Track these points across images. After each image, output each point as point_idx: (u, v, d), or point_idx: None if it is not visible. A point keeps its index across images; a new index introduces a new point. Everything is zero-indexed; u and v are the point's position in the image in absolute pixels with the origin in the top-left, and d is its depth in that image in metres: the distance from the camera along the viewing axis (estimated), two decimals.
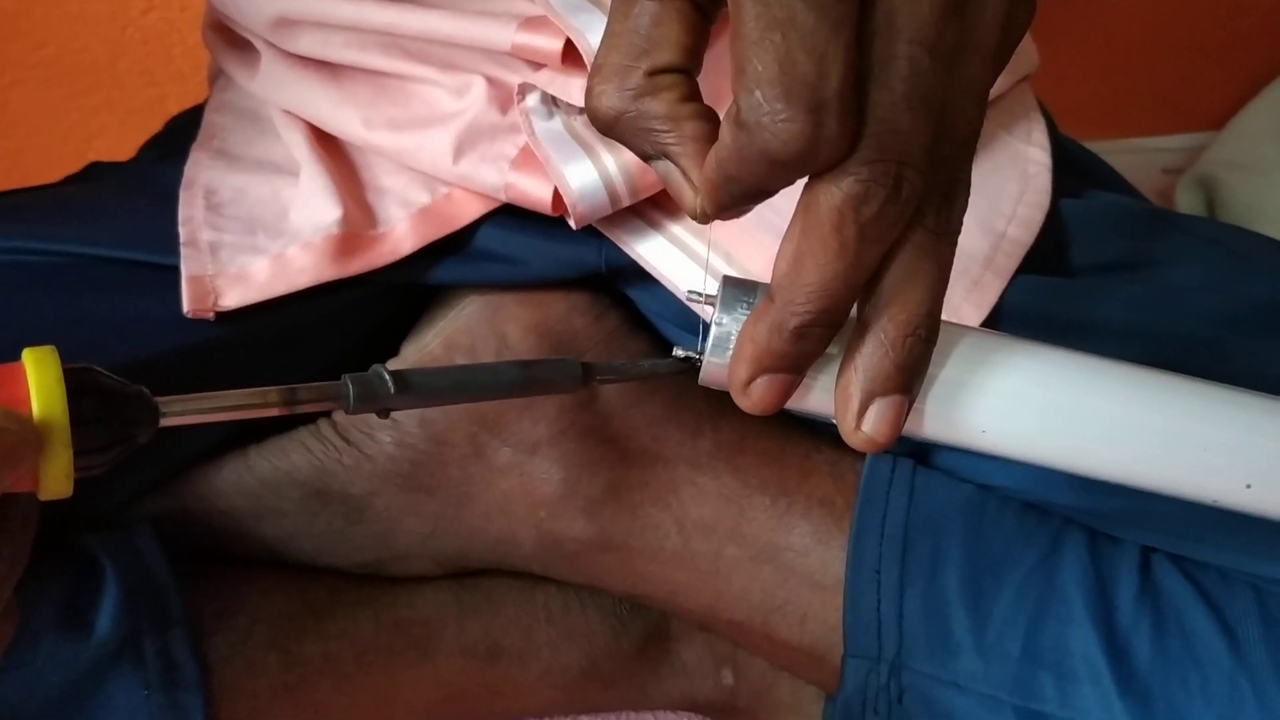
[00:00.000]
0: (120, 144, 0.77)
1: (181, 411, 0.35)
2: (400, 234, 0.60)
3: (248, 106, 0.68)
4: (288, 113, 0.64)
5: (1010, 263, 0.59)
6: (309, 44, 0.62)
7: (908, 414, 0.36)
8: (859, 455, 0.61)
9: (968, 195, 0.35)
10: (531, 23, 0.57)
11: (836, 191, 0.32)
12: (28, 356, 0.34)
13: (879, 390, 0.36)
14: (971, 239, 0.58)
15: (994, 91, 0.36)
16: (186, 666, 0.56)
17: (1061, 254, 0.61)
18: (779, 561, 0.61)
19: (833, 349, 0.37)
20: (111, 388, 0.35)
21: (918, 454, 0.61)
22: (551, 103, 0.59)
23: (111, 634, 0.54)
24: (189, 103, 0.76)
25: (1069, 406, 0.39)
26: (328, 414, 0.62)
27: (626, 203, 0.58)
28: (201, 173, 0.63)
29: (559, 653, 0.65)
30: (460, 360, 0.61)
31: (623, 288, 0.63)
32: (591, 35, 0.55)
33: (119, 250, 0.58)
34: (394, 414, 0.59)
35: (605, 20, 0.35)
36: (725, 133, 0.32)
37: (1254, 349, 0.56)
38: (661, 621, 0.67)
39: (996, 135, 0.64)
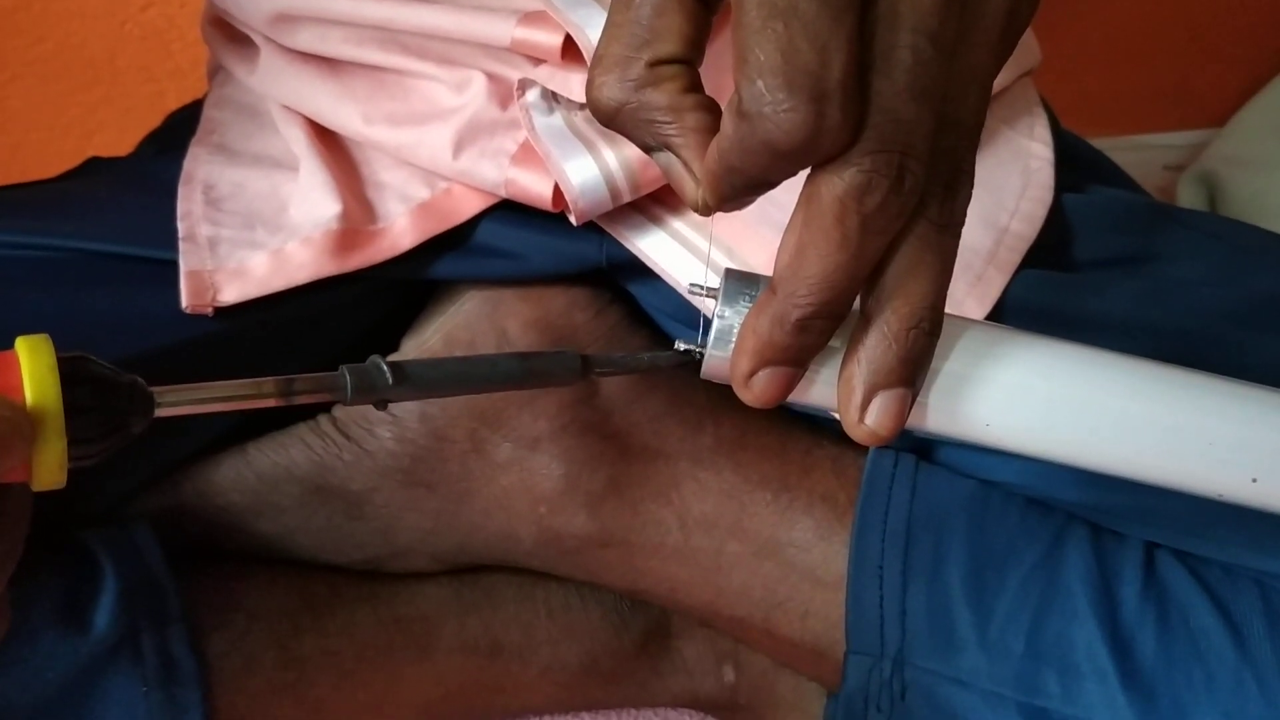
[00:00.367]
0: (119, 140, 0.77)
1: (176, 402, 0.35)
2: (400, 229, 0.59)
3: (247, 102, 0.68)
4: (287, 108, 0.64)
5: (1013, 258, 0.58)
6: (308, 39, 0.62)
7: (911, 407, 0.36)
8: (861, 451, 0.61)
9: (971, 186, 0.35)
10: (531, 18, 0.57)
11: (839, 182, 0.32)
12: (21, 345, 0.33)
13: (882, 383, 0.35)
14: (974, 234, 0.58)
15: (996, 86, 0.36)
16: (185, 663, 0.55)
17: (1064, 249, 0.61)
18: (781, 557, 0.60)
19: (835, 342, 0.36)
20: (106, 377, 0.34)
21: (920, 450, 0.61)
22: (552, 98, 0.59)
23: (109, 631, 0.54)
24: (188, 99, 0.76)
25: (1073, 400, 0.38)
26: (327, 409, 0.61)
27: (627, 199, 0.58)
28: (200, 167, 0.63)
29: (559, 649, 0.64)
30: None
31: (623, 283, 0.63)
32: (591, 30, 0.54)
33: (117, 245, 0.58)
34: (394, 410, 0.60)
35: (605, 15, 0.35)
36: (727, 123, 0.32)
37: (1257, 343, 0.56)
38: (662, 618, 0.67)
39: (999, 130, 0.64)
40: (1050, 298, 0.58)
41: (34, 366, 0.33)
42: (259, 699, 0.58)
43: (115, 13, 1.02)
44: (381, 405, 0.38)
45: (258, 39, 0.65)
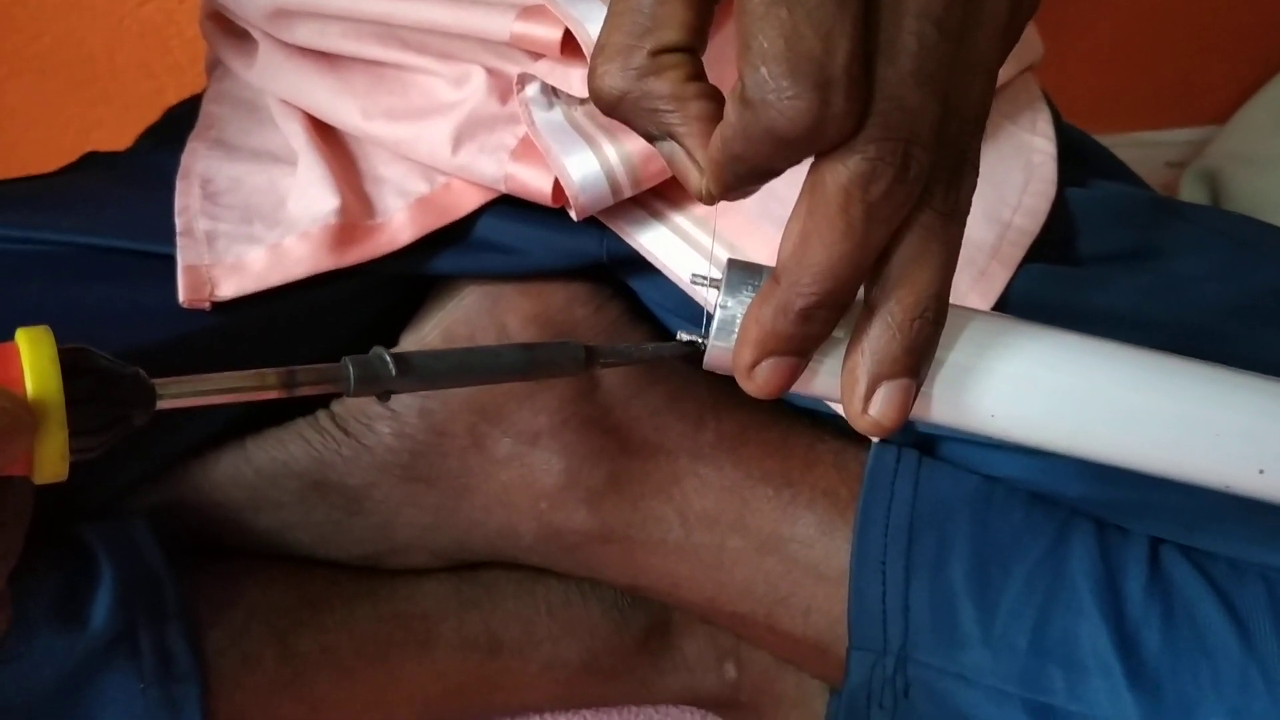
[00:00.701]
0: (118, 136, 0.77)
1: (178, 393, 0.35)
2: (398, 224, 0.59)
3: (245, 96, 0.68)
4: (285, 102, 0.63)
5: (1016, 252, 0.58)
6: (306, 34, 0.61)
7: (915, 397, 0.36)
8: (864, 446, 0.61)
9: (976, 175, 0.35)
10: (530, 12, 0.57)
11: (843, 170, 0.32)
12: (22, 336, 0.33)
13: (886, 373, 0.35)
14: (977, 229, 0.58)
15: (999, 80, 0.35)
16: (183, 659, 0.55)
17: (1067, 243, 0.61)
18: (783, 553, 0.60)
19: (839, 332, 0.36)
20: (107, 368, 0.34)
21: (923, 445, 0.61)
22: (551, 93, 0.59)
23: (107, 626, 0.53)
24: (186, 95, 0.76)
25: (1079, 390, 0.38)
26: (326, 405, 0.61)
27: (628, 194, 0.58)
28: (198, 162, 0.62)
29: (559, 646, 0.64)
30: None
31: (624, 278, 0.63)
32: (590, 24, 0.54)
33: (115, 239, 0.58)
34: (393, 405, 0.59)
35: (604, 9, 0.35)
36: (730, 111, 0.32)
37: (1261, 337, 0.55)
38: (663, 614, 0.67)
39: (1001, 125, 0.64)
40: (1053, 292, 0.58)
41: (35, 358, 0.33)
42: (257, 695, 0.58)
43: (114, 9, 1.02)
44: (384, 397, 0.37)
45: (256, 34, 0.65)
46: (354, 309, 0.62)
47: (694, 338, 0.39)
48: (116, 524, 0.57)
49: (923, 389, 0.37)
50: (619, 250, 0.60)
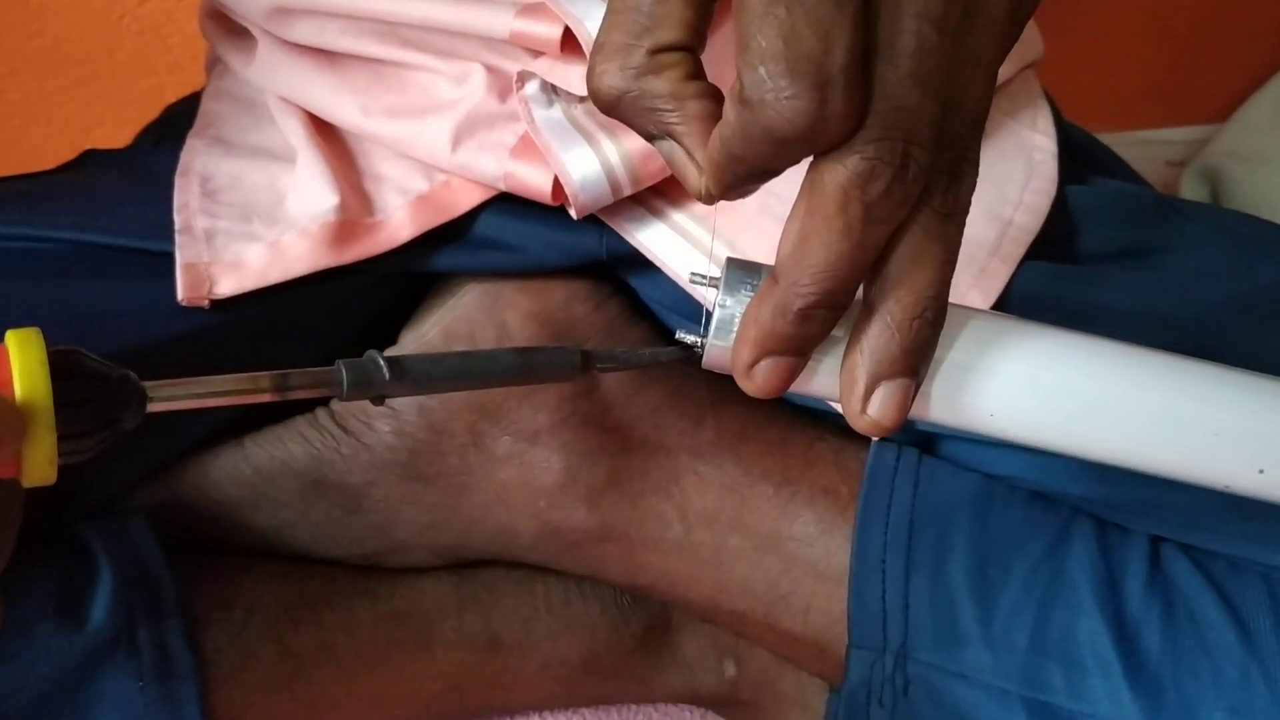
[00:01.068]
0: (117, 134, 0.77)
1: (169, 397, 0.35)
2: (398, 221, 0.59)
3: (244, 94, 0.67)
4: (284, 100, 0.63)
5: (1017, 250, 0.58)
6: (305, 32, 0.61)
7: (914, 397, 0.36)
8: (863, 444, 0.61)
9: (976, 174, 0.34)
10: (529, 10, 0.56)
11: (842, 170, 0.32)
12: (11, 338, 0.33)
13: (885, 373, 0.35)
14: (978, 227, 0.58)
15: (999, 78, 0.35)
16: (181, 657, 0.55)
17: (1068, 241, 0.61)
18: (782, 551, 0.60)
19: (838, 331, 0.36)
20: (97, 371, 0.34)
21: (923, 444, 0.60)
22: (551, 91, 0.58)
23: (105, 624, 0.53)
24: (186, 93, 0.76)
25: (1079, 390, 0.38)
26: (325, 403, 0.61)
27: (628, 192, 0.58)
28: (197, 160, 0.62)
29: (559, 644, 0.64)
30: (459, 349, 0.60)
31: (624, 275, 0.63)
32: (590, 22, 0.54)
33: (113, 237, 0.58)
34: (392, 403, 0.59)
35: (603, 7, 0.35)
36: (729, 110, 0.32)
37: (1262, 334, 0.55)
38: (663, 613, 0.67)
39: (1002, 122, 0.64)
40: (1054, 290, 0.58)
41: (24, 360, 0.32)
42: (256, 694, 0.58)
43: (113, 7, 1.01)
44: (379, 401, 0.37)
45: (255, 31, 0.65)
46: (353, 307, 0.62)
47: (692, 339, 0.39)
48: (115, 522, 0.57)
49: (922, 388, 0.37)
50: (618, 248, 0.60)
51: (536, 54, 0.58)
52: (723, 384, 0.62)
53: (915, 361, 0.35)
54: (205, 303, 0.56)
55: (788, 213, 0.33)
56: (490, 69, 0.60)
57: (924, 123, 0.32)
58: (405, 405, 0.60)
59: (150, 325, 0.55)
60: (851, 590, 0.59)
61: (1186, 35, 1.25)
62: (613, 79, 0.34)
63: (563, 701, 0.67)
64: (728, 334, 0.37)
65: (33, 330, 0.33)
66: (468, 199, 0.60)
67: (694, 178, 0.34)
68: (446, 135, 0.58)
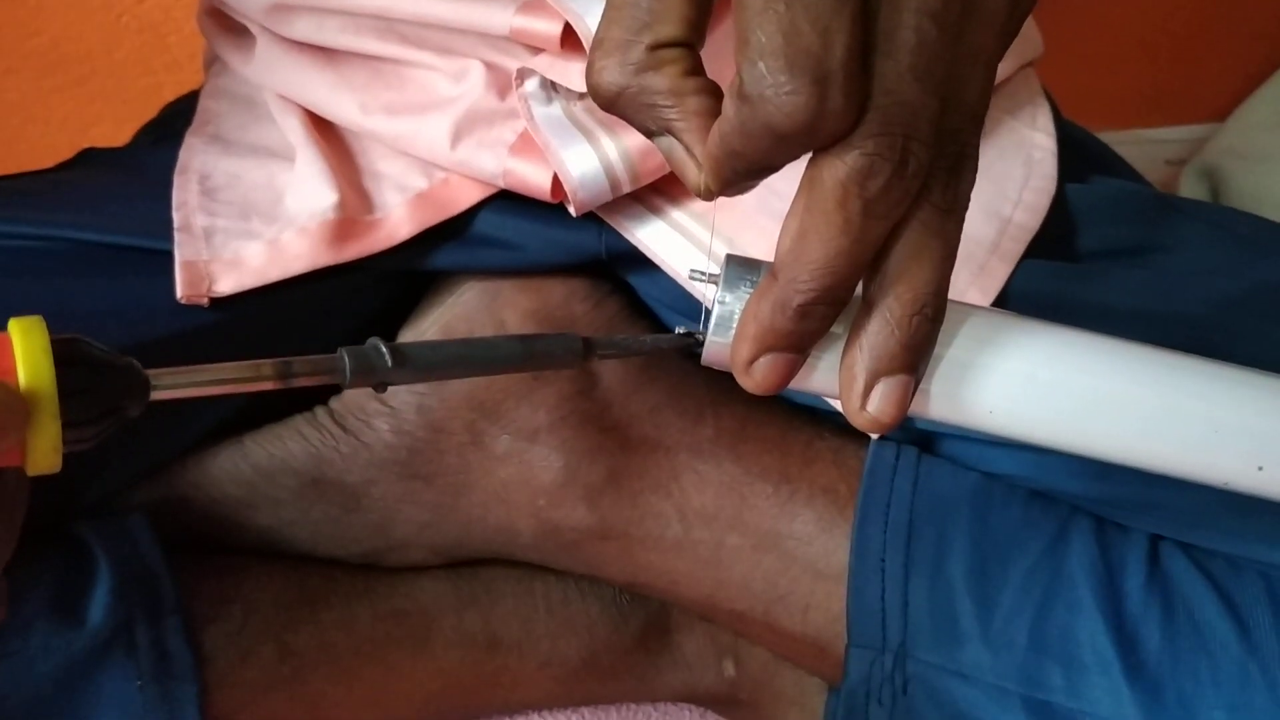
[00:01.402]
0: (115, 133, 0.77)
1: (172, 384, 0.34)
2: (397, 219, 0.59)
3: (243, 92, 0.67)
4: (283, 98, 0.63)
5: (1016, 248, 0.58)
6: (304, 29, 0.61)
7: (914, 394, 0.36)
8: (863, 442, 0.61)
9: (975, 170, 0.34)
10: (529, 6, 0.56)
11: (841, 166, 0.32)
12: (14, 326, 0.33)
13: (884, 370, 0.35)
14: (977, 224, 0.58)
15: (998, 76, 0.35)
16: (180, 656, 0.55)
17: (1067, 239, 0.60)
18: (781, 550, 0.60)
19: (837, 328, 0.36)
20: (101, 359, 0.34)
21: (922, 442, 0.60)
22: (550, 88, 0.58)
23: (104, 623, 0.53)
24: (184, 92, 0.76)
25: (1078, 387, 0.38)
26: (324, 401, 0.61)
27: (627, 189, 0.58)
28: (196, 158, 0.62)
29: (558, 643, 0.64)
30: None
31: (623, 273, 0.63)
32: (590, 18, 0.54)
33: (113, 235, 0.58)
34: (391, 401, 0.59)
35: (603, 3, 0.34)
36: (728, 106, 0.32)
37: (1262, 332, 0.55)
38: (662, 612, 0.67)
39: (1001, 120, 0.64)
40: (1054, 288, 0.57)
41: (27, 348, 0.32)
42: (255, 692, 0.57)
43: (111, 6, 1.01)
44: (381, 388, 0.37)
45: (254, 29, 0.65)
46: (352, 305, 0.62)
47: (692, 330, 0.39)
48: (114, 520, 0.57)
49: (921, 385, 0.37)
50: (618, 246, 0.60)
51: (536, 51, 0.58)
52: (722, 382, 0.62)
53: (914, 358, 0.35)
54: (204, 301, 0.56)
55: (786, 210, 0.33)
56: (489, 66, 0.60)
57: (923, 118, 0.32)
58: (404, 403, 0.60)
59: (149, 323, 0.55)
60: (850, 589, 0.59)
61: (1185, 34, 1.25)
62: (612, 75, 0.34)
63: (562, 700, 0.67)
64: (727, 330, 0.37)
65: (35, 318, 0.33)
66: (467, 197, 0.60)
67: (693, 174, 0.34)
68: (445, 132, 0.58)
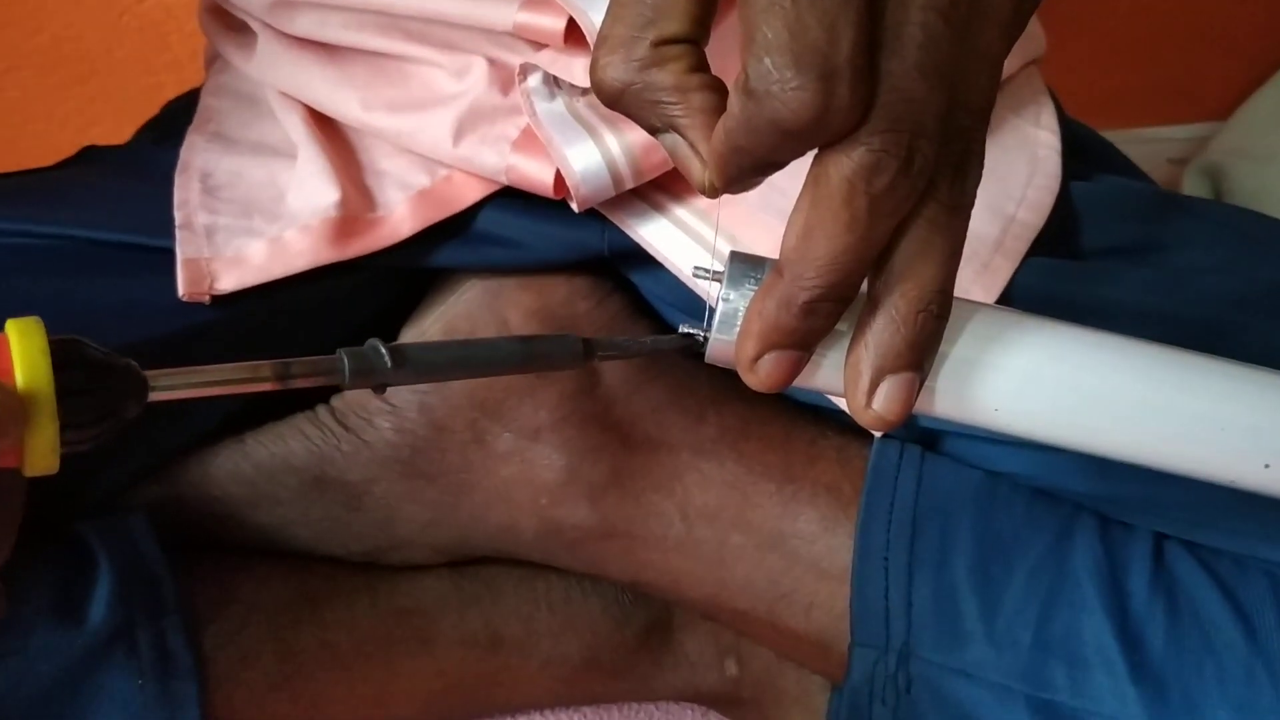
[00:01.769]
0: (116, 132, 0.77)
1: (171, 385, 0.34)
2: (399, 217, 0.59)
3: (244, 89, 0.67)
4: (285, 95, 0.63)
5: (1020, 246, 0.58)
6: (306, 25, 0.61)
7: (919, 391, 0.36)
8: (866, 441, 0.61)
9: (981, 167, 0.34)
10: (533, 1, 0.56)
11: (847, 162, 0.32)
12: (11, 327, 0.33)
13: (890, 367, 0.35)
14: (981, 222, 0.58)
15: (1003, 74, 0.35)
16: (181, 656, 0.55)
17: (1071, 237, 0.60)
18: (784, 549, 0.60)
19: (842, 325, 0.36)
20: (99, 360, 0.34)
21: (926, 440, 0.60)
22: (553, 83, 0.58)
23: (105, 623, 0.53)
24: (185, 90, 0.75)
25: (1084, 384, 0.38)
26: (325, 399, 0.61)
27: (630, 185, 0.58)
28: (197, 156, 0.62)
29: (560, 642, 0.64)
30: None
31: (625, 272, 0.63)
32: (594, 14, 0.54)
33: (114, 233, 0.58)
34: (392, 400, 0.59)
35: None
36: (734, 102, 0.32)
37: (1266, 330, 0.55)
38: (664, 611, 0.66)
39: (1005, 118, 0.64)
40: (1058, 286, 0.57)
41: (25, 349, 0.32)
42: (256, 692, 0.57)
43: (112, 4, 1.01)
44: (380, 390, 0.37)
45: (255, 25, 0.65)
46: (354, 303, 0.62)
47: (695, 330, 0.39)
48: (114, 520, 0.57)
49: (926, 383, 0.37)
50: (620, 244, 0.60)
51: (539, 46, 0.58)
52: (724, 381, 0.62)
53: (920, 355, 0.35)
54: (206, 298, 0.56)
55: (789, 207, 0.33)
56: (492, 62, 0.59)
57: (930, 115, 0.32)
58: (406, 402, 0.60)
59: (151, 321, 0.55)
60: (854, 588, 0.58)
61: (1188, 32, 1.25)
62: (616, 72, 0.34)
63: (564, 700, 0.67)
64: (731, 328, 0.37)
65: (33, 319, 0.33)
66: (469, 194, 0.60)
67: (698, 171, 0.34)
68: (448, 129, 0.58)
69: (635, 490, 0.61)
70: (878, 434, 0.60)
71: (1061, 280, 0.58)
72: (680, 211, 0.59)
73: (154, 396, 0.34)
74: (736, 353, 0.36)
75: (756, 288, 0.36)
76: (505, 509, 0.61)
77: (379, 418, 0.60)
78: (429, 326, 0.61)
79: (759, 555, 0.60)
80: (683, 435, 0.61)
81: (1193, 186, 1.22)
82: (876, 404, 0.35)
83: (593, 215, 0.59)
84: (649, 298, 0.63)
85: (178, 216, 0.58)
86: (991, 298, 0.56)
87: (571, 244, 0.60)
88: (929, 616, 0.57)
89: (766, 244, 0.57)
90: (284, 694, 0.58)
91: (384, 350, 0.36)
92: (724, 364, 0.38)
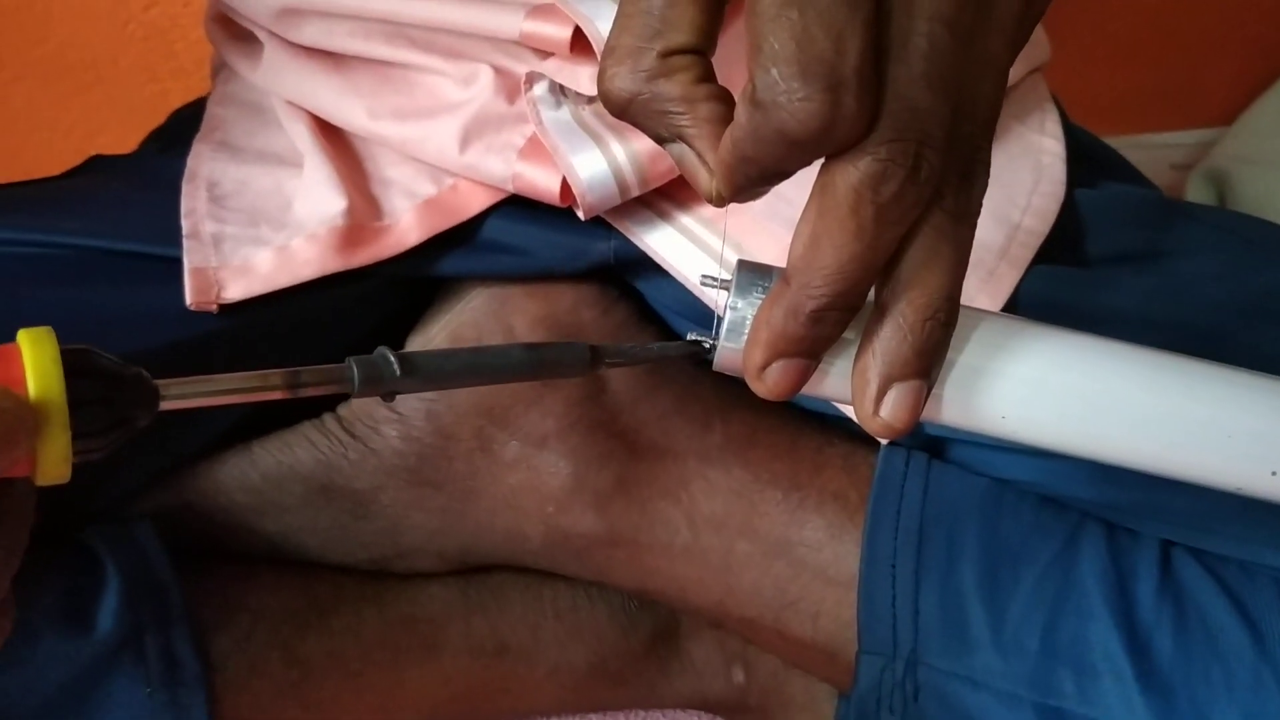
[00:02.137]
0: (122, 141, 0.77)
1: (181, 394, 0.34)
2: (406, 225, 0.59)
3: (250, 98, 0.67)
4: (291, 104, 0.63)
5: (1025, 253, 0.58)
6: (313, 34, 0.61)
7: (926, 399, 0.36)
8: (872, 449, 0.61)
9: (987, 176, 0.34)
10: (540, 10, 0.56)
11: (854, 171, 0.32)
12: (24, 337, 0.33)
13: (897, 375, 0.35)
14: (986, 230, 0.58)
15: (1008, 81, 0.35)
16: (188, 664, 0.55)
17: (1076, 244, 0.60)
18: (791, 557, 0.60)
19: (849, 333, 0.36)
20: (110, 369, 0.34)
21: (933, 447, 0.60)
22: (559, 92, 0.58)
23: (112, 631, 0.53)
24: (191, 99, 0.76)
25: (1090, 392, 0.38)
26: (332, 408, 0.61)
27: (636, 193, 0.58)
28: (204, 165, 0.62)
29: (567, 650, 0.64)
30: None
31: (631, 280, 0.63)
32: (600, 22, 0.54)
33: (121, 242, 0.58)
34: (399, 408, 0.59)
35: (614, 7, 0.34)
36: (741, 112, 0.32)
37: (1271, 336, 0.55)
38: (671, 618, 0.66)
39: (1010, 126, 0.64)
40: (1063, 293, 0.57)
41: (37, 359, 0.32)
42: (263, 700, 0.57)
43: (118, 13, 1.01)
44: (389, 397, 0.37)
45: (262, 35, 0.65)
46: (361, 311, 0.62)
47: (702, 338, 0.39)
48: (122, 528, 0.57)
49: (933, 391, 0.37)
50: (626, 252, 0.60)
51: (545, 55, 0.58)
52: (730, 388, 0.62)
53: (927, 363, 0.35)
54: (213, 307, 0.56)
55: (796, 216, 0.33)
56: (498, 70, 0.60)
57: (936, 124, 0.32)
58: (412, 410, 0.60)
59: (158, 330, 0.55)
60: (861, 595, 0.58)
61: (1192, 39, 1.25)
62: (624, 82, 0.34)
63: (570, 707, 0.67)
64: (739, 336, 0.37)
65: (45, 329, 0.33)
66: (476, 202, 0.60)
67: (705, 180, 0.34)
68: (454, 137, 0.58)
69: (642, 498, 0.61)
70: (884, 441, 0.60)
71: (1066, 287, 0.58)
72: (686, 220, 0.59)
73: (165, 405, 0.34)
74: (745, 361, 0.36)
75: (764, 296, 0.36)
76: (512, 516, 0.61)
77: (386, 426, 0.60)
78: (435, 334, 0.61)
79: (766, 563, 0.60)
80: (689, 443, 0.61)
81: (1196, 192, 1.22)
82: (884, 412, 0.35)
83: (599, 223, 0.59)
84: (654, 306, 0.63)
85: (185, 225, 0.58)
86: (997, 305, 0.56)
87: (577, 252, 0.60)
88: (936, 624, 0.57)
89: (773, 252, 0.57)
90: (291, 702, 0.58)
91: (393, 358, 0.36)
92: (731, 372, 0.38)
